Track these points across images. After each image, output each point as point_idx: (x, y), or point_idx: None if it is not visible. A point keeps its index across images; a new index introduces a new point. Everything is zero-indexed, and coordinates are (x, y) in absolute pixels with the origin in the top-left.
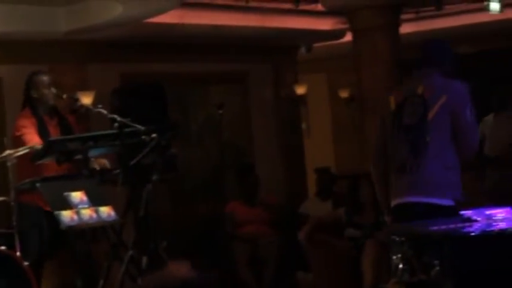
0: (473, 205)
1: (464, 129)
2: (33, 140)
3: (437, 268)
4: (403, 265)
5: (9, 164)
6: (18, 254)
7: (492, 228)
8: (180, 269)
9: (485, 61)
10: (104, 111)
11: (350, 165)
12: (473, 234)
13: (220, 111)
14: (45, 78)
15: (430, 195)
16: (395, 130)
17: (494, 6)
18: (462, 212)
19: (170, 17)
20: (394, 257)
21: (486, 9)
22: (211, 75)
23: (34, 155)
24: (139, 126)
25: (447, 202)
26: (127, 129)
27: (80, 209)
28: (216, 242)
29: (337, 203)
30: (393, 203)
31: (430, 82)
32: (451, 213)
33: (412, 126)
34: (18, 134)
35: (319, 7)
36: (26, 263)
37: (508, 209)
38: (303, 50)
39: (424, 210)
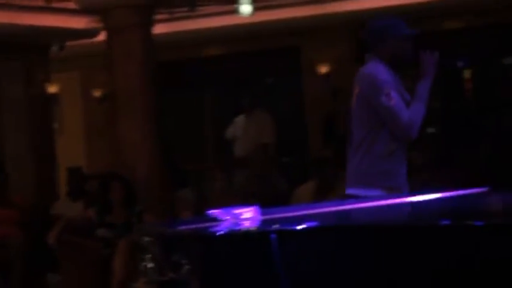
0: (223, 204)
1: (385, 115)
2: None
3: (186, 267)
4: (153, 264)
5: None
6: None
7: (239, 228)
8: None
9: (236, 62)
10: None
11: (102, 164)
12: (220, 233)
13: None
14: None
15: (356, 186)
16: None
17: (245, 9)
18: (209, 212)
19: None
20: (144, 257)
21: (237, 11)
22: None
23: None
24: None
25: (374, 192)
26: None
27: None
28: None
29: (88, 203)
30: None
31: (359, 71)
32: None
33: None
34: None
35: (72, 5)
36: None
37: (255, 207)
38: (55, 48)
39: None
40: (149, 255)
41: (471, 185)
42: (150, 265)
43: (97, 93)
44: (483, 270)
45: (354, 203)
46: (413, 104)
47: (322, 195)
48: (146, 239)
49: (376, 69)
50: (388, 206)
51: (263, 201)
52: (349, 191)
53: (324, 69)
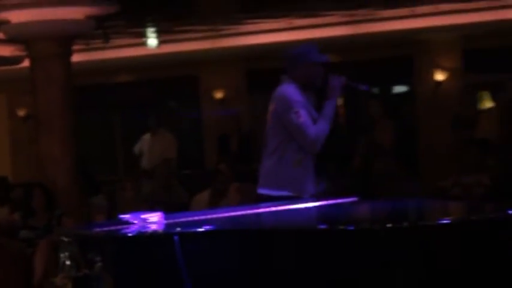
0: (132, 210)
1: (293, 131)
2: None
3: (100, 264)
4: (70, 262)
5: None
6: None
7: (146, 230)
8: None
9: (144, 88)
10: None
11: (26, 174)
12: (129, 234)
13: None
14: None
15: (264, 186)
16: None
17: (152, 42)
18: (121, 216)
19: None
20: (63, 255)
21: (145, 44)
22: None
23: None
24: None
25: (282, 193)
26: None
27: None
28: None
29: (13, 208)
30: None
31: (275, 91)
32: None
33: None
34: None
35: (0, 35)
36: None
37: (160, 213)
38: None
39: (263, 199)
40: (67, 254)
41: (342, 195)
42: (67, 262)
43: (21, 113)
44: (355, 270)
45: (247, 209)
46: (319, 121)
47: (215, 202)
48: (65, 239)
49: (288, 90)
50: (272, 212)
51: (167, 208)
52: (262, 191)
53: (219, 95)
